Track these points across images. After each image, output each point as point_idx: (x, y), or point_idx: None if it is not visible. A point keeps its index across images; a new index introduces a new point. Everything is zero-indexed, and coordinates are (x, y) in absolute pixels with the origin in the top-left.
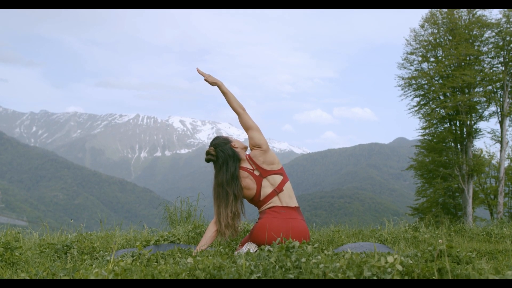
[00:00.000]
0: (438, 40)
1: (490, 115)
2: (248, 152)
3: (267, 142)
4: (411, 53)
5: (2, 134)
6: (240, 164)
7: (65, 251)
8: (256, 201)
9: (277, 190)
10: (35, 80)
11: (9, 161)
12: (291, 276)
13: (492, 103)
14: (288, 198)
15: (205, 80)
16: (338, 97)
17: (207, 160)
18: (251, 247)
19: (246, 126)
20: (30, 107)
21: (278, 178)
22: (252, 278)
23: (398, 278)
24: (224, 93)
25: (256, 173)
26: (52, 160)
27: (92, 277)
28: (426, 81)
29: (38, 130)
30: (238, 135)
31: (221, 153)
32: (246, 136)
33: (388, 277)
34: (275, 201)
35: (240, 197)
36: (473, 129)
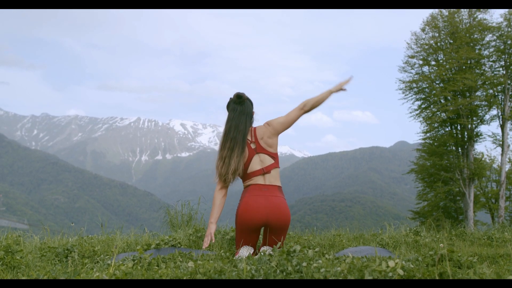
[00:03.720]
0: (439, 44)
1: (491, 119)
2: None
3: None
4: (412, 57)
5: (3, 137)
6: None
7: (66, 254)
8: (243, 172)
9: (265, 170)
10: (36, 83)
11: (10, 164)
12: None
13: (493, 107)
14: (273, 179)
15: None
16: (338, 100)
17: (238, 96)
18: (248, 250)
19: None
20: (31, 110)
21: (269, 160)
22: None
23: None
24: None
25: (252, 146)
26: (53, 163)
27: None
28: (427, 85)
29: (39, 133)
30: None
31: (249, 104)
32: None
33: None
34: (259, 180)
35: (244, 155)
36: (474, 133)
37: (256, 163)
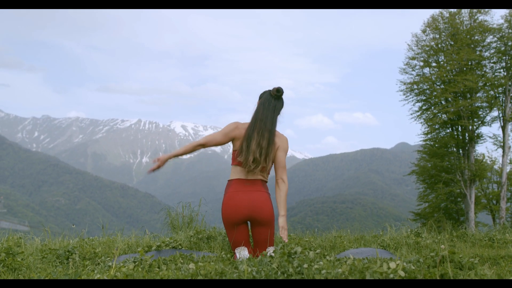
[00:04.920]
0: (439, 45)
1: (492, 120)
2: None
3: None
4: (413, 58)
5: (4, 139)
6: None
7: (66, 256)
8: (235, 154)
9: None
10: (36, 85)
11: (11, 166)
12: None
13: (494, 108)
14: (258, 174)
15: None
16: (339, 102)
17: (278, 90)
18: (243, 251)
19: None
20: (32, 112)
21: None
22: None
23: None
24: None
25: None
26: (54, 165)
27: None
28: (428, 86)
29: (40, 135)
30: None
31: (282, 103)
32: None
33: None
34: (242, 173)
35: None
36: (475, 134)
37: None
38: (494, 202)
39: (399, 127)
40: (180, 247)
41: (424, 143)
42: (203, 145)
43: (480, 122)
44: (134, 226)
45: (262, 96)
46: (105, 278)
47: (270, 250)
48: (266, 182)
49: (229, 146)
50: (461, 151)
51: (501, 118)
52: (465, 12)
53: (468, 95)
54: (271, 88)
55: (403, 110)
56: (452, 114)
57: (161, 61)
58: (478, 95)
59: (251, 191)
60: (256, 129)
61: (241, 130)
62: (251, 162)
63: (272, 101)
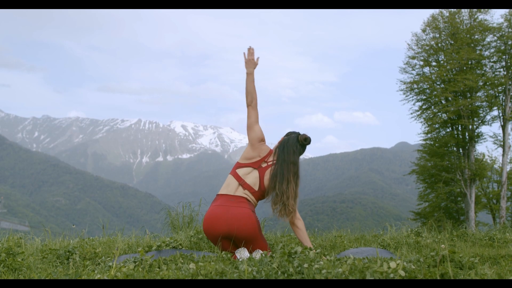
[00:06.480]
0: (439, 44)
1: (492, 120)
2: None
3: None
4: (413, 58)
5: (4, 139)
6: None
7: (67, 256)
8: (240, 164)
9: (244, 185)
10: (36, 85)
11: (11, 166)
12: None
13: (494, 108)
14: (245, 194)
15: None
16: (339, 101)
17: (305, 139)
18: (243, 252)
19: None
20: (32, 112)
21: (254, 183)
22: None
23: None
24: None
25: (263, 164)
26: (54, 165)
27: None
28: (428, 86)
29: (40, 135)
30: (240, 140)
31: (304, 150)
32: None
33: None
34: (231, 189)
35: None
36: (475, 134)
37: (246, 173)
38: (494, 201)
39: (399, 126)
40: (180, 247)
41: (424, 142)
42: (251, 102)
43: (480, 121)
44: (135, 226)
45: (290, 135)
46: (106, 278)
47: (258, 252)
48: (254, 204)
49: (229, 146)
50: (461, 151)
51: (501, 117)
52: (465, 11)
53: (468, 94)
54: (300, 132)
55: (403, 110)
56: (452, 114)
57: (161, 60)
58: (478, 94)
59: (233, 207)
60: (291, 173)
61: (261, 147)
62: (290, 207)
63: (298, 146)
